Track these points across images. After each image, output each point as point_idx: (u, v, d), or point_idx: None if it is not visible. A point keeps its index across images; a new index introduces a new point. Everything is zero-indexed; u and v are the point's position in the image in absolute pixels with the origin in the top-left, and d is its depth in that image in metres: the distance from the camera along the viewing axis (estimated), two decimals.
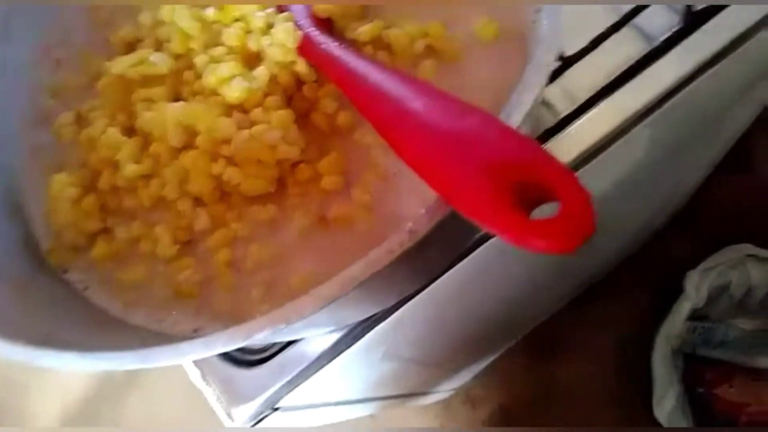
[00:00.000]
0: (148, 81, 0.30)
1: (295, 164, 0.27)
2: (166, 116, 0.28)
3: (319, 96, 0.28)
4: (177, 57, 0.30)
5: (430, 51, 0.28)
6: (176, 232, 0.28)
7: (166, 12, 0.30)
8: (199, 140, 0.27)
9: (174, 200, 0.28)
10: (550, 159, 0.18)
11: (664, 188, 0.64)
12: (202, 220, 0.28)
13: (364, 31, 0.28)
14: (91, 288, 0.29)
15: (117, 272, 0.28)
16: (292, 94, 0.28)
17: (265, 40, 0.28)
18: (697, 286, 0.76)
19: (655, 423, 0.79)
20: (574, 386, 0.86)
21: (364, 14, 0.30)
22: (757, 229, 0.80)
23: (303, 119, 0.28)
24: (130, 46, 0.32)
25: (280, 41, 0.28)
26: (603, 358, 0.87)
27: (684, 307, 0.78)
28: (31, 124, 0.33)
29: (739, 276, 0.77)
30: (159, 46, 0.31)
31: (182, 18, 0.30)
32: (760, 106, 0.56)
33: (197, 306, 0.27)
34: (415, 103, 0.22)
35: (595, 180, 0.38)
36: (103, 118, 0.30)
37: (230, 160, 0.27)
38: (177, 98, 0.30)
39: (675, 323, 0.79)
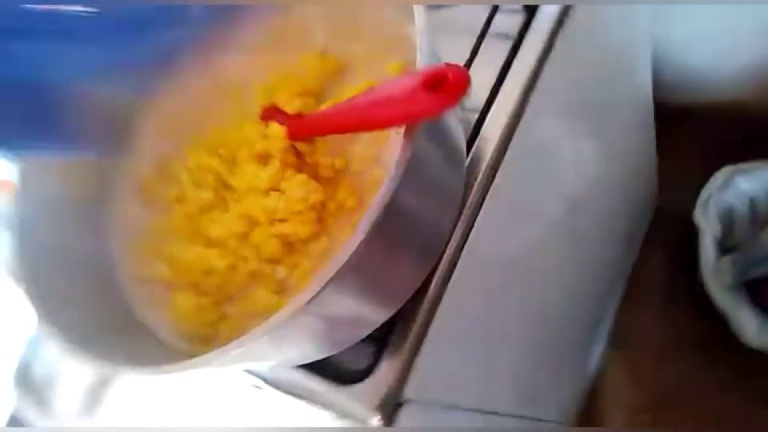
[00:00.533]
0: (202, 210, 0.43)
1: (323, 205, 0.39)
2: (233, 217, 0.40)
3: (317, 157, 0.40)
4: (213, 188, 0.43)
5: None
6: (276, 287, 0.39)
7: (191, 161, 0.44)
8: (259, 218, 0.39)
9: (257, 270, 0.39)
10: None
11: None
12: (281, 272, 0.39)
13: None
14: None
15: None
16: (301, 166, 0.41)
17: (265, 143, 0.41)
18: (705, 217, 0.84)
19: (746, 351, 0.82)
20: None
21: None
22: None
23: (315, 176, 0.40)
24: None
25: (275, 135, 0.41)
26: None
27: (708, 242, 0.85)
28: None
29: (734, 194, 0.85)
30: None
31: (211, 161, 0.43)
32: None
33: None
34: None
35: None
36: (183, 243, 0.42)
37: (282, 221, 0.39)
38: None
39: (709, 259, 0.85)
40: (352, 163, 0.40)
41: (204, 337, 0.40)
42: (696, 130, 0.95)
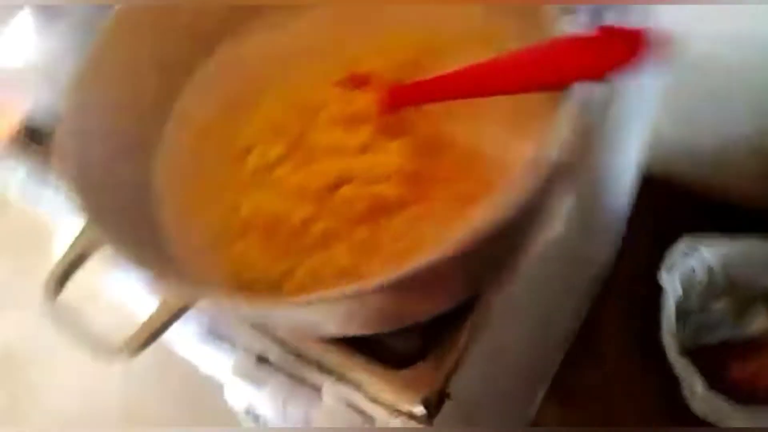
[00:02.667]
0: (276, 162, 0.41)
1: (418, 173, 0.38)
2: (317, 172, 0.38)
3: (420, 125, 0.39)
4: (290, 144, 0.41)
5: None
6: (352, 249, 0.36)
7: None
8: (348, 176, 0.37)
9: (339, 228, 0.37)
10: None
11: None
12: (362, 233, 0.37)
13: None
14: None
15: None
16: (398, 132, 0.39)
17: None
18: (669, 282, 0.89)
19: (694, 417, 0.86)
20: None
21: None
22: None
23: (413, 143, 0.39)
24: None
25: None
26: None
27: (670, 305, 0.90)
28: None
29: (697, 262, 0.91)
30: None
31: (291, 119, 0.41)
32: None
33: None
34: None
35: None
36: (250, 197, 0.39)
37: (373, 183, 0.37)
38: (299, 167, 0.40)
39: (670, 322, 0.90)
40: (460, 137, 0.39)
41: (268, 286, 0.37)
42: (656, 196, 1.01)
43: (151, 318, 0.29)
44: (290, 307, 0.29)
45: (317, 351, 0.40)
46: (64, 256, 0.32)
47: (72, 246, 0.32)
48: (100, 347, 0.29)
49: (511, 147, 0.36)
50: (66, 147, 0.35)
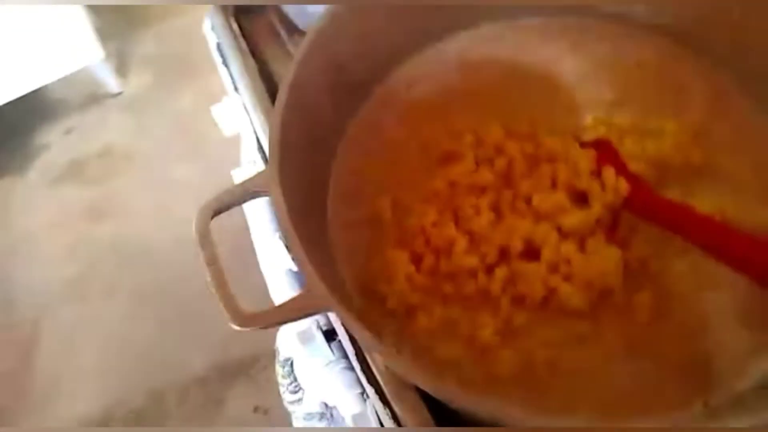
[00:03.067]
0: (472, 190, 0.36)
1: (609, 293, 0.33)
2: (510, 226, 0.33)
3: (632, 240, 0.34)
4: (497, 174, 0.36)
5: None
6: (497, 323, 0.32)
7: (488, 134, 0.37)
8: (546, 253, 0.32)
9: (497, 296, 0.33)
10: None
11: None
12: (520, 318, 0.32)
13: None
14: (403, 354, 0.32)
15: (435, 347, 0.32)
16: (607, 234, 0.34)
17: (594, 185, 0.34)
18: None
19: None
20: None
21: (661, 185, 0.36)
22: None
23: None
24: (448, 158, 0.38)
25: (613, 187, 0.34)
26: None
27: None
28: (340, 199, 0.38)
29: None
30: (479, 161, 0.37)
31: (510, 145, 0.36)
32: None
33: (512, 395, 0.31)
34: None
35: None
36: (432, 211, 0.35)
37: (566, 276, 0.32)
38: (494, 208, 0.35)
39: None
40: (667, 274, 0.33)
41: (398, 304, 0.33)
42: None
43: (285, 308, 0.26)
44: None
45: None
46: (230, 190, 0.29)
47: (243, 183, 0.29)
48: (228, 304, 0.26)
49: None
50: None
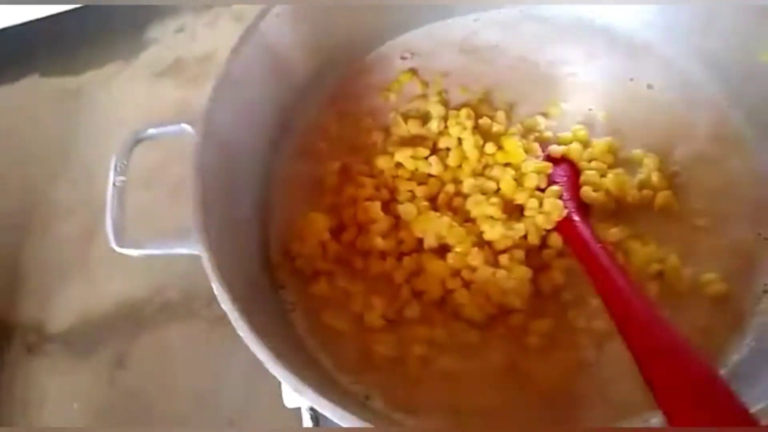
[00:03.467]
0: (416, 176, 0.36)
1: (511, 310, 0.32)
2: (430, 221, 0.33)
3: (553, 265, 0.32)
4: (446, 167, 0.36)
5: (659, 276, 0.32)
6: (387, 309, 0.33)
7: (453, 128, 0.36)
8: (451, 257, 0.32)
9: (399, 284, 0.33)
10: None
11: None
12: (413, 310, 0.32)
13: (611, 233, 0.33)
14: (296, 312, 0.34)
15: (324, 313, 0.33)
16: (531, 252, 0.33)
17: (532, 202, 0.33)
18: None
19: None
20: None
21: (616, 217, 0.34)
22: None
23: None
24: (407, 140, 0.37)
25: (548, 211, 0.32)
26: None
27: None
28: (296, 154, 0.39)
29: None
30: (434, 150, 0.36)
31: (467, 141, 0.35)
32: None
33: (378, 379, 0.31)
34: (640, 306, 0.27)
35: None
36: (369, 187, 0.35)
37: (465, 283, 0.32)
38: (431, 199, 0.35)
39: None
40: (575, 310, 0.32)
41: (298, 273, 0.34)
42: None
43: (161, 240, 0.28)
44: None
45: None
46: None
47: None
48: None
49: None
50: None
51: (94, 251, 0.45)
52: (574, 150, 0.35)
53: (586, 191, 0.34)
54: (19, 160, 0.50)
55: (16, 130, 0.51)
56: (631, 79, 0.38)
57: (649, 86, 0.38)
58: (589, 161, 0.35)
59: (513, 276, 0.31)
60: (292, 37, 0.37)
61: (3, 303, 0.44)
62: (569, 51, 0.39)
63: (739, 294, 0.31)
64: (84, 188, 0.48)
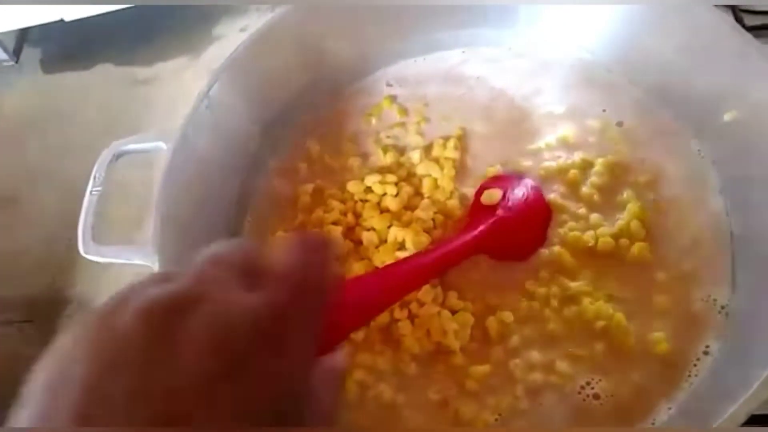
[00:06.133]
0: (379, 206, 0.37)
1: (452, 351, 0.32)
2: (388, 252, 0.34)
3: (503, 309, 0.33)
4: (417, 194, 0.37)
5: (605, 334, 0.32)
6: None
7: (426, 162, 0.37)
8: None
9: None
10: None
11: None
12: (357, 333, 0.33)
13: (571, 286, 0.33)
14: None
15: None
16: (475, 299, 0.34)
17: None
18: None
19: None
20: None
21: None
22: None
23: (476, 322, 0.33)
24: (384, 168, 0.38)
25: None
26: None
27: None
28: (276, 174, 0.40)
29: None
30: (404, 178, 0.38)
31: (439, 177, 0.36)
32: None
33: None
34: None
35: None
36: (336, 211, 0.36)
37: (411, 316, 0.33)
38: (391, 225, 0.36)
39: None
40: (515, 359, 0.32)
41: None
42: None
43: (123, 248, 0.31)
44: None
45: None
46: None
47: None
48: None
49: None
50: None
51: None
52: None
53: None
54: (80, 141, 0.52)
55: (83, 111, 0.54)
56: (604, 110, 0.38)
57: (618, 123, 0.37)
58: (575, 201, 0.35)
59: (456, 319, 0.32)
60: (282, 59, 0.39)
61: None
62: (546, 84, 0.40)
63: (681, 353, 0.31)
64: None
